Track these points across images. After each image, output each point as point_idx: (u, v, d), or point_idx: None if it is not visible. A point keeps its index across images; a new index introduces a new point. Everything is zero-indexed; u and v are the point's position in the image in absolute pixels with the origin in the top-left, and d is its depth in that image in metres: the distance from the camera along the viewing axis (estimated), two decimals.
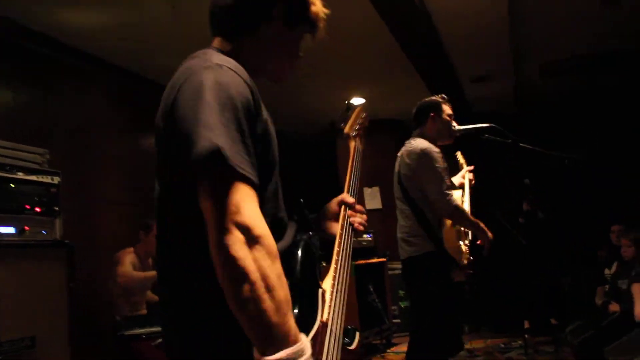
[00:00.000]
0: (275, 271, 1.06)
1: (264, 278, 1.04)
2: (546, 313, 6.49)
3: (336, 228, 1.55)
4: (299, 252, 1.35)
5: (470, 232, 3.60)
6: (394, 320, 6.46)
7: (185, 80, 1.20)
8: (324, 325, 1.28)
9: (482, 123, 3.61)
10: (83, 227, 4.43)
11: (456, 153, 4.26)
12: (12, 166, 3.12)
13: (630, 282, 4.46)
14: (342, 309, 1.39)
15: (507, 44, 5.57)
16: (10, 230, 3.05)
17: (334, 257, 1.48)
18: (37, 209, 3.18)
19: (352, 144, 1.97)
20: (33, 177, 3.19)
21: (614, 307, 4.76)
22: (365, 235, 6.66)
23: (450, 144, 3.72)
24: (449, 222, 3.49)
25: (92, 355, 3.88)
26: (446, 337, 3.49)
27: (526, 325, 6.31)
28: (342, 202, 1.63)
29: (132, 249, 4.72)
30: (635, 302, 4.22)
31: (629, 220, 5.53)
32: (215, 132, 1.08)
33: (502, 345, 5.77)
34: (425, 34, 5.22)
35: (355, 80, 6.30)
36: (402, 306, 6.82)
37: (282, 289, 1.07)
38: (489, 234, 3.47)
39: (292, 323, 1.07)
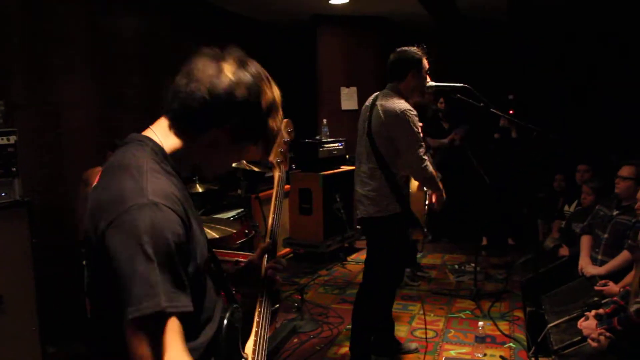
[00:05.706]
0: None
1: None
2: (504, 233, 6.77)
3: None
4: (223, 332, 1.45)
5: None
6: (358, 227, 6.54)
7: (118, 217, 1.18)
8: None
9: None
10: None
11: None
12: None
13: (581, 232, 4.51)
14: None
15: None
16: None
17: (255, 319, 1.57)
18: None
19: (277, 174, 1.85)
20: None
21: (564, 250, 4.87)
22: (336, 144, 6.56)
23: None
24: (415, 183, 3.51)
25: (60, 308, 3.83)
26: (395, 281, 3.75)
27: (484, 242, 6.63)
28: (262, 251, 1.73)
29: (100, 169, 4.45)
30: (582, 254, 4.24)
31: (599, 160, 5.48)
32: (156, 289, 1.13)
33: (457, 267, 5.98)
34: None
35: None
36: None
37: None
38: (444, 196, 3.54)
39: None
